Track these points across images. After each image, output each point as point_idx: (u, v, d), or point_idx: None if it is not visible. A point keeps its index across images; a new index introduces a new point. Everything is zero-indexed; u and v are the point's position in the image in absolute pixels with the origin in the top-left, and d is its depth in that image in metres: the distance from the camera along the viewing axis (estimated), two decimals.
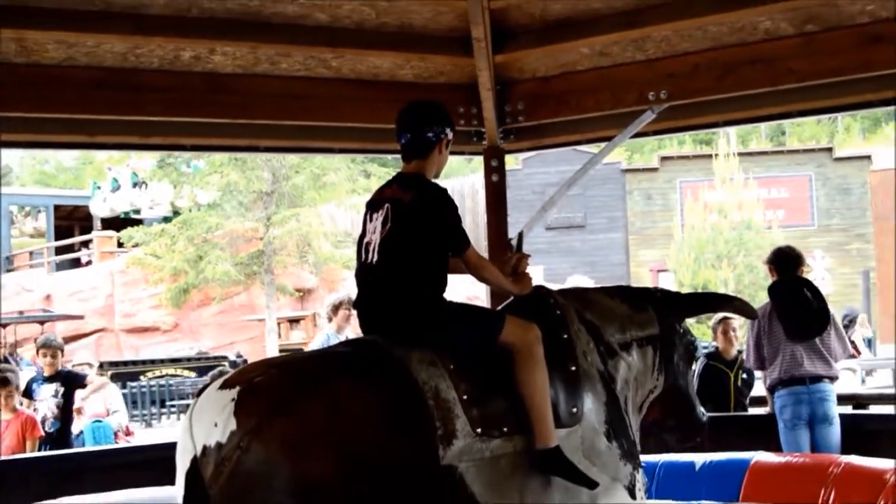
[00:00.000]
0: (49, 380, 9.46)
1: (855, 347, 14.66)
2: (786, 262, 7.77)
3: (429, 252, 4.47)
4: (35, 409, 9.40)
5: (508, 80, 7.69)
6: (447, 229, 4.50)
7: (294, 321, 30.70)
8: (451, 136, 4.71)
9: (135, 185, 37.74)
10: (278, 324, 29.66)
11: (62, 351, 9.94)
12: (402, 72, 7.51)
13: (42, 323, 31.10)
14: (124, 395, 26.82)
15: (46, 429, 9.27)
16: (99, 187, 39.64)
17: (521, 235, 5.29)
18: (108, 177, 39.26)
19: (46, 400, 9.37)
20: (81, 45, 6.62)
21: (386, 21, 6.94)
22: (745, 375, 8.78)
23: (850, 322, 16.34)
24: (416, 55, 7.32)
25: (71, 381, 9.69)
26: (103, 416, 10.50)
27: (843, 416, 7.62)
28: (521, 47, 7.30)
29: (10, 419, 8.93)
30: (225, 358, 25.64)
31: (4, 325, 30.58)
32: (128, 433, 14.03)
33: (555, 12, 6.95)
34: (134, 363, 28.53)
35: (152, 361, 28.06)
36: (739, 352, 8.76)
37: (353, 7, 6.71)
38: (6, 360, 26.13)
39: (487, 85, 7.32)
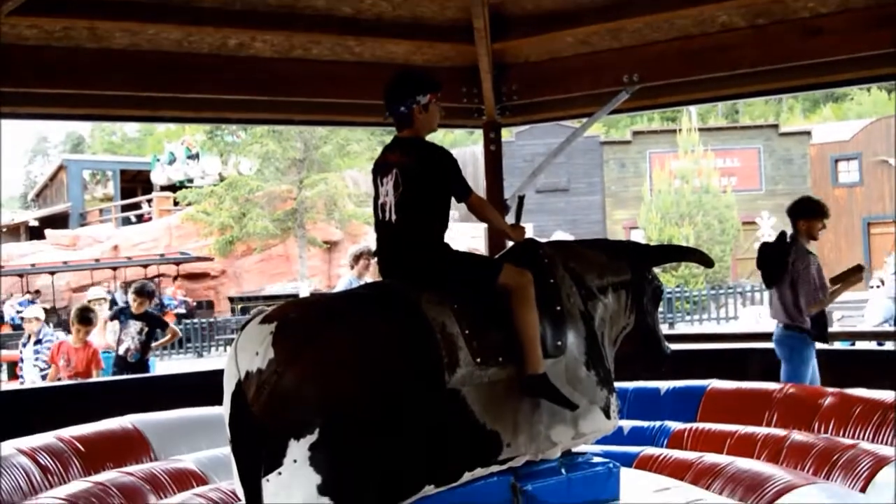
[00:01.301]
0: (137, 318, 9.50)
1: None
2: (790, 213, 7.45)
3: (436, 205, 4.46)
4: (121, 340, 9.46)
5: (505, 64, 7.66)
6: (449, 181, 4.47)
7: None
8: (424, 100, 4.53)
9: (188, 158, 37.85)
10: None
11: (151, 297, 9.99)
12: (415, 57, 7.49)
13: (178, 264, 31.47)
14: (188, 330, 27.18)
15: (129, 359, 9.34)
16: (158, 160, 39.86)
17: (521, 199, 5.23)
18: (165, 150, 39.50)
19: (132, 335, 9.43)
20: (144, 33, 6.59)
21: (400, 14, 6.94)
22: None
23: None
24: (426, 43, 7.31)
25: (154, 322, 9.74)
26: (112, 348, 10.32)
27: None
28: (515, 37, 7.29)
29: (79, 347, 9.00)
30: None
31: (146, 266, 30.94)
32: None
33: (545, 7, 6.95)
34: (257, 298, 28.81)
35: (272, 297, 28.20)
36: None
37: (373, 2, 6.73)
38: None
39: (487, 68, 7.32)
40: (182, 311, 29.08)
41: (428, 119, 4.60)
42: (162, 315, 15.01)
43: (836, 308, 17.48)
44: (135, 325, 9.44)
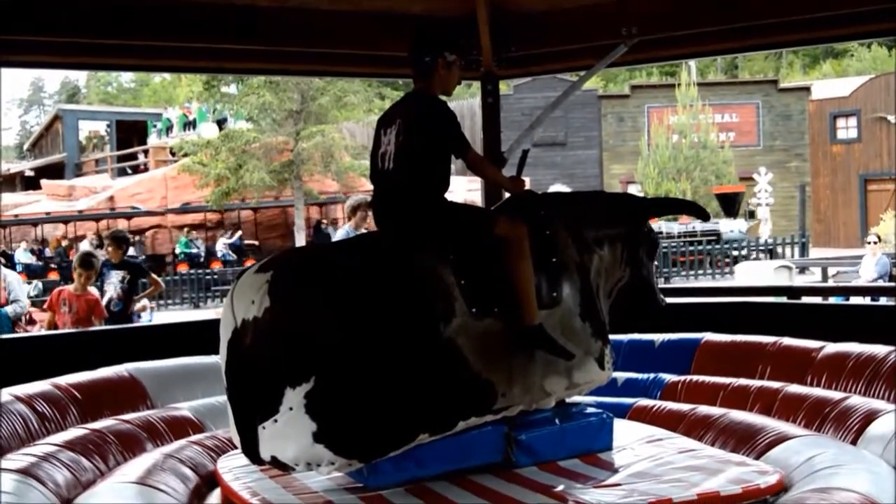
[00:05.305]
0: (116, 267, 9.46)
1: None
2: None
3: (434, 158, 4.47)
4: (104, 291, 9.44)
5: (503, 15, 7.59)
6: (449, 137, 4.49)
7: None
8: (450, 58, 4.61)
9: (185, 125, 37.81)
10: None
11: (126, 243, 9.91)
12: (413, 6, 7.41)
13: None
14: (177, 282, 27.20)
15: (111, 308, 9.31)
16: (155, 126, 39.85)
17: (525, 153, 5.23)
18: (163, 117, 39.61)
19: (114, 284, 9.40)
20: None
21: None
22: None
23: None
24: None
25: (135, 270, 9.71)
26: (2, 304, 9.99)
27: (780, 304, 7.60)
28: None
29: (80, 294, 8.94)
30: None
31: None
32: (30, 322, 13.47)
33: None
34: None
35: None
36: None
37: None
38: None
39: (485, 19, 7.26)
40: None
41: (446, 78, 4.66)
42: None
43: (831, 264, 17.51)
44: (116, 275, 9.41)
